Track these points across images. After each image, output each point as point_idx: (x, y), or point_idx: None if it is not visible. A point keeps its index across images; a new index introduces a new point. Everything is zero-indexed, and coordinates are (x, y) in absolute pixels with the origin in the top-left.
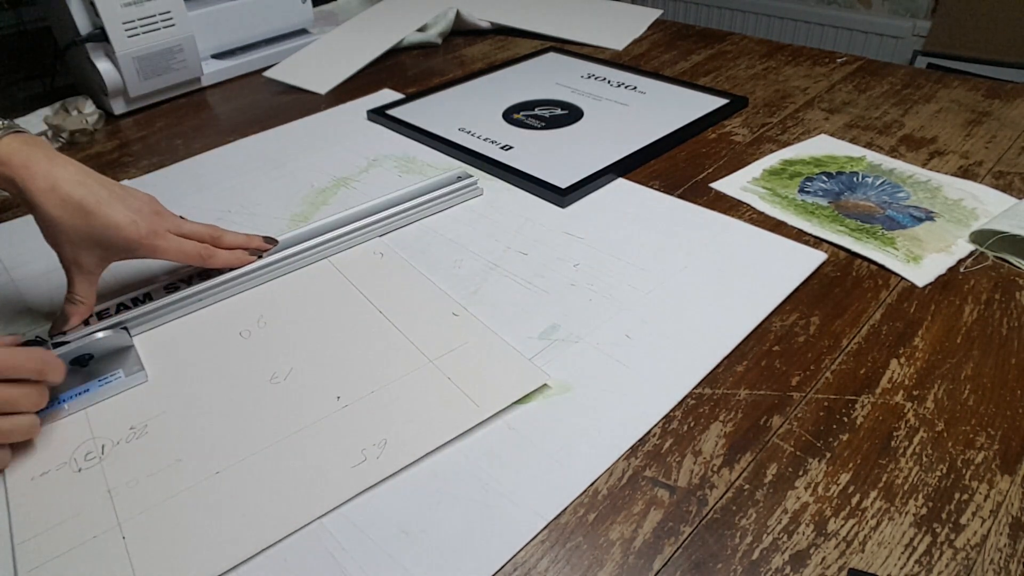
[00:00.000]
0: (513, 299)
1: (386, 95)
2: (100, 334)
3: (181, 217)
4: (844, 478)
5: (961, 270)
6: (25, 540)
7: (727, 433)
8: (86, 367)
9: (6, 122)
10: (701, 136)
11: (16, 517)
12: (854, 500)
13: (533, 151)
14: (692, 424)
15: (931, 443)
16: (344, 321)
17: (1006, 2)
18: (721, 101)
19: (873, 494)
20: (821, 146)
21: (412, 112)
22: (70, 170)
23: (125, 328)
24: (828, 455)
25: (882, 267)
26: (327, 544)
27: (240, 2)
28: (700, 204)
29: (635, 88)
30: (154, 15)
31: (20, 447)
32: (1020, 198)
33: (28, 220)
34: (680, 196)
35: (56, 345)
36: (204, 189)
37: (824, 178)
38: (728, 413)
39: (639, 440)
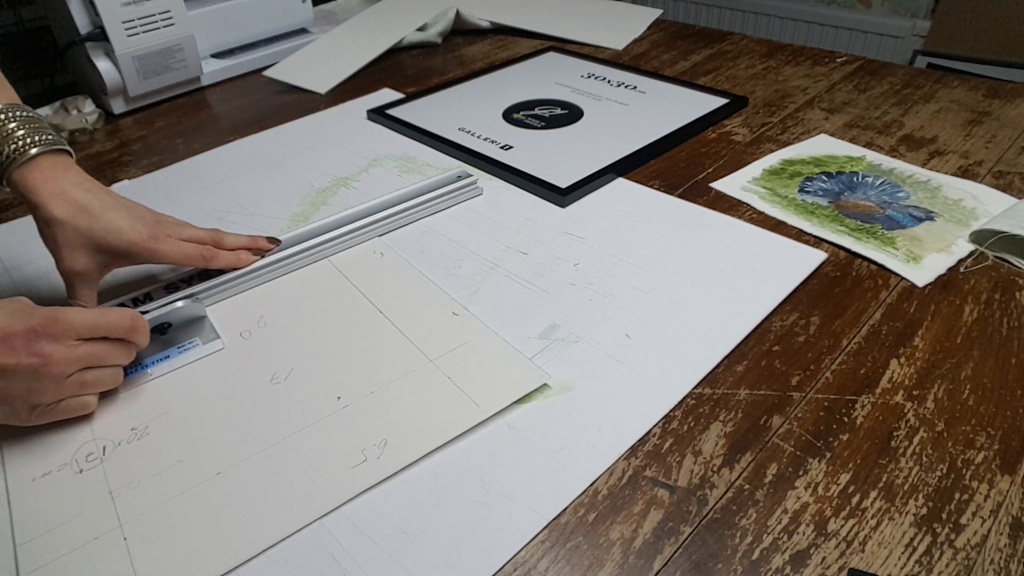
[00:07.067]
0: (513, 299)
1: (386, 95)
2: (180, 303)
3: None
4: (844, 478)
5: (961, 270)
6: (27, 541)
7: (727, 433)
8: (164, 335)
9: (52, 137)
10: (701, 136)
11: (18, 518)
12: (854, 500)
13: (533, 151)
14: (692, 424)
15: (931, 443)
16: (344, 321)
17: (1006, 2)
18: (721, 101)
19: (873, 494)
20: (821, 146)
21: (412, 112)
22: (78, 177)
23: (198, 300)
24: (828, 455)
25: (882, 267)
26: (327, 544)
27: (240, 1)
28: (700, 204)
29: (635, 88)
30: (154, 14)
31: (20, 448)
32: (1020, 198)
33: (28, 220)
34: (680, 196)
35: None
36: (204, 189)
37: (824, 178)
38: (728, 413)
39: (639, 440)
